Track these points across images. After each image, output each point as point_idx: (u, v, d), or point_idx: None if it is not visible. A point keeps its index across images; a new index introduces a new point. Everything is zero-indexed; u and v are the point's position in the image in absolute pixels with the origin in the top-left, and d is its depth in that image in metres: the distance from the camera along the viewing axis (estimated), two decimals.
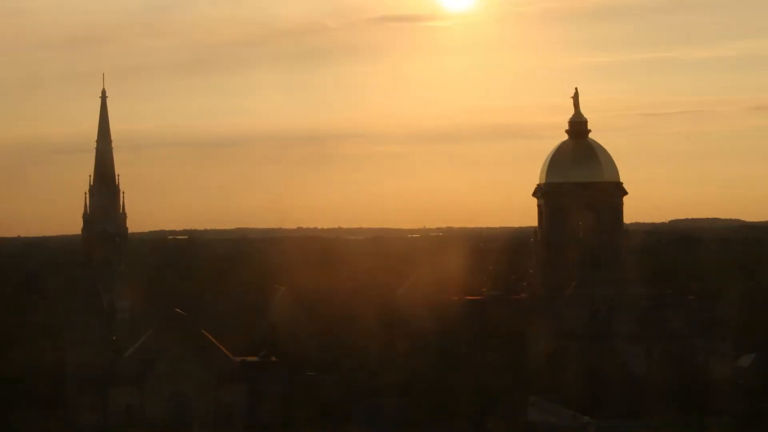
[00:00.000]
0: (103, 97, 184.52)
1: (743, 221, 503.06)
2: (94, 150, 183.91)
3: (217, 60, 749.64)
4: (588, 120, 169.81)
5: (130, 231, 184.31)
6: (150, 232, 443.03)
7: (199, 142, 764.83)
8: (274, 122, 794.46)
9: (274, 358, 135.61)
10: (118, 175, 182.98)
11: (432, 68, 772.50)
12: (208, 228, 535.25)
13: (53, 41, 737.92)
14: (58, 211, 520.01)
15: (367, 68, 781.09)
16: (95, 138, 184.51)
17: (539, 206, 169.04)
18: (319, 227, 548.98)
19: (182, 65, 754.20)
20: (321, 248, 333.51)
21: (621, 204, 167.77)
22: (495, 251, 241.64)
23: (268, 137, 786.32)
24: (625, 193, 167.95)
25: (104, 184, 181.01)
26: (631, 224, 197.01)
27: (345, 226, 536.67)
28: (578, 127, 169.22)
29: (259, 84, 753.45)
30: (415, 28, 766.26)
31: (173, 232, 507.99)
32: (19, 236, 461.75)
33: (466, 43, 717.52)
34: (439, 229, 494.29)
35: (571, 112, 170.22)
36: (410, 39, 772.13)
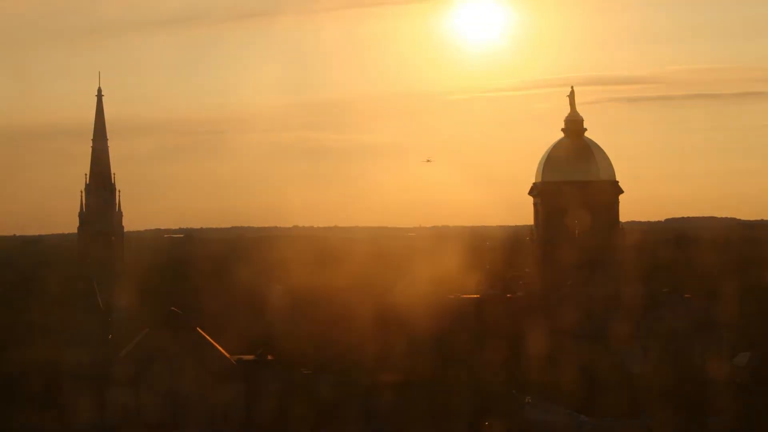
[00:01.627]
0: (99, 95, 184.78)
1: (739, 219, 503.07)
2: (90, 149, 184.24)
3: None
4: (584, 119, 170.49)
5: (126, 230, 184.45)
6: (146, 231, 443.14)
7: (193, 131, 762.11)
8: (269, 116, 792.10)
9: (270, 357, 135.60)
10: (114, 174, 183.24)
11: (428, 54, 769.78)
12: (204, 226, 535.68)
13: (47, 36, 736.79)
14: (54, 209, 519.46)
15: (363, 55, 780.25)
16: (91, 136, 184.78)
17: (535, 205, 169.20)
18: (315, 226, 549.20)
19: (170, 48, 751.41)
20: (317, 247, 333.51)
21: (617, 202, 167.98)
22: (491, 250, 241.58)
23: (262, 130, 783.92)
24: (621, 191, 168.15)
25: (100, 183, 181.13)
26: (627, 223, 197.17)
27: (341, 224, 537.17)
28: (574, 125, 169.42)
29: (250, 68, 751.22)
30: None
31: (169, 231, 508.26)
32: (15, 235, 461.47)
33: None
34: (435, 228, 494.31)
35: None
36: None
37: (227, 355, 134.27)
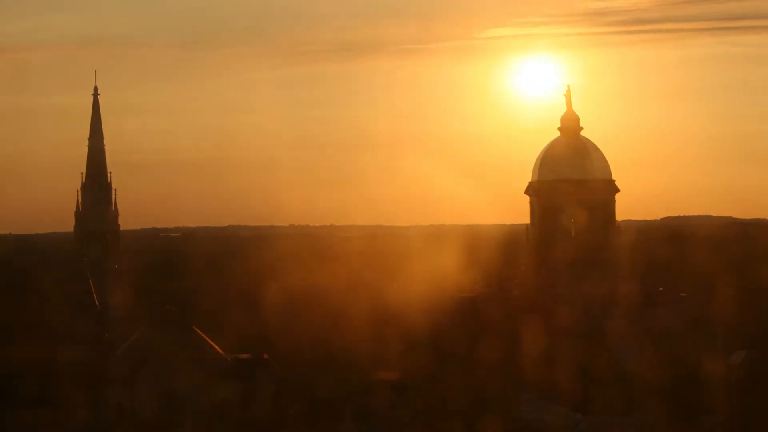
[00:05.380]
0: (95, 94, 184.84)
1: (735, 218, 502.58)
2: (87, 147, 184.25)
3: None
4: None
5: (122, 228, 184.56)
6: (142, 230, 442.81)
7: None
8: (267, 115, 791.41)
9: (266, 356, 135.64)
10: (110, 173, 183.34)
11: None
12: (200, 225, 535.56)
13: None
14: (50, 208, 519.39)
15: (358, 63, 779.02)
16: (87, 135, 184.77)
17: (531, 204, 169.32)
18: (311, 224, 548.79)
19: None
20: (313, 245, 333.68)
21: (613, 201, 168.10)
22: (487, 248, 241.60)
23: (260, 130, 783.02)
24: (618, 190, 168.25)
25: (96, 182, 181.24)
26: (624, 221, 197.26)
27: (337, 223, 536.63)
28: (570, 124, 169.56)
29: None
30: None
31: (165, 230, 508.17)
32: (10, 233, 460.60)
33: None
34: (431, 226, 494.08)
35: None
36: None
37: (223, 354, 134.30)
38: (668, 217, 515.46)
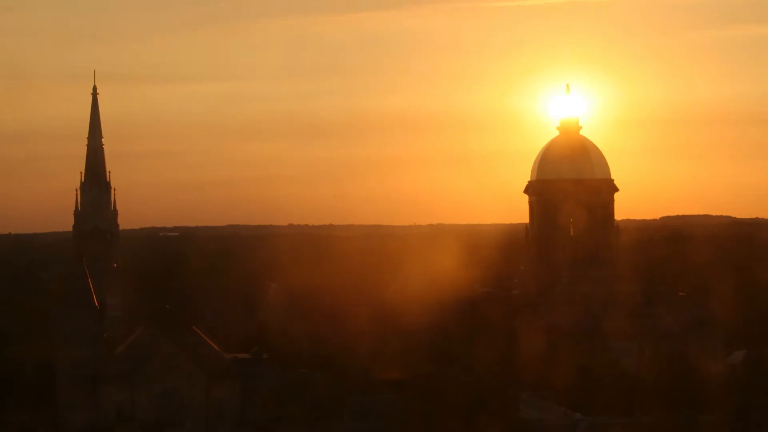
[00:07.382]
0: (94, 93, 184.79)
1: (734, 218, 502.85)
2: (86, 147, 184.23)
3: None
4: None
5: (121, 228, 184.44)
6: (141, 229, 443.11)
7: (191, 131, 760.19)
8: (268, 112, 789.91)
9: (265, 355, 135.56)
10: (109, 172, 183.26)
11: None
12: (199, 225, 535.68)
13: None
14: (49, 208, 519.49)
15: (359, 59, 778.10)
16: (86, 135, 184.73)
17: (530, 203, 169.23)
18: (311, 224, 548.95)
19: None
20: (312, 245, 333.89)
21: (612, 201, 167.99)
22: (487, 247, 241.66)
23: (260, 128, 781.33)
24: (616, 189, 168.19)
25: (95, 181, 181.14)
26: (622, 221, 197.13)
27: (336, 222, 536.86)
28: (569, 123, 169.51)
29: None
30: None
31: (164, 229, 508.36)
32: (10, 233, 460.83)
33: None
34: (430, 226, 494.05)
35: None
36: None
37: (222, 353, 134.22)
38: (668, 217, 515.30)
